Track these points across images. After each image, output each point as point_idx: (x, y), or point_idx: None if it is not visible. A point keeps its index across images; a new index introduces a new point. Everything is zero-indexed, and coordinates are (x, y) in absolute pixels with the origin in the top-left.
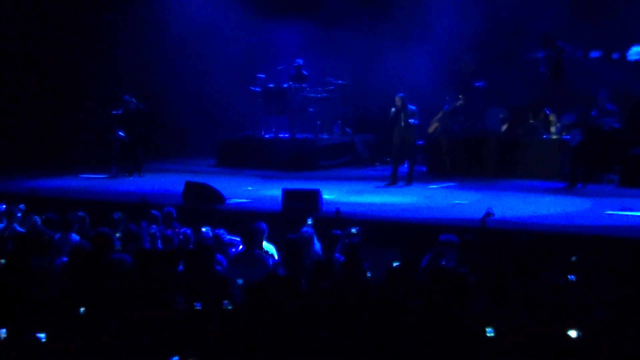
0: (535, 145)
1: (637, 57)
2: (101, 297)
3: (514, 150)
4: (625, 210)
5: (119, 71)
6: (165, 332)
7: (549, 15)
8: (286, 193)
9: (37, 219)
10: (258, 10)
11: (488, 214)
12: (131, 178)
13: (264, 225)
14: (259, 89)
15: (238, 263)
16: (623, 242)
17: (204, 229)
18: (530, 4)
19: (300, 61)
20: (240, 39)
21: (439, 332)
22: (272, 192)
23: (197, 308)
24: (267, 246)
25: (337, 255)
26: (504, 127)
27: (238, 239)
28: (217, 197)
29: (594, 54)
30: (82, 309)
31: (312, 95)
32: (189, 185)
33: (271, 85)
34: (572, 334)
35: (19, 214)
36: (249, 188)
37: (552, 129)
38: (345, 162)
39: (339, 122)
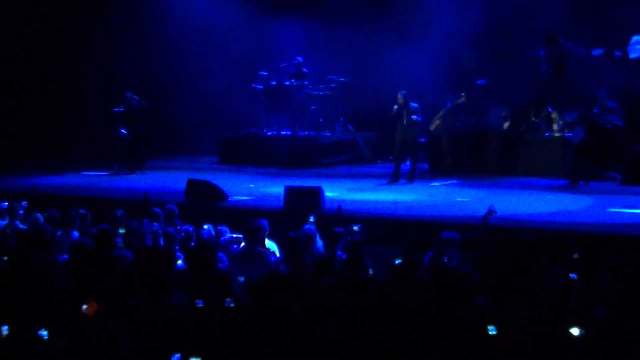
0: (537, 143)
1: (637, 54)
2: (103, 295)
3: (516, 148)
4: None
5: (121, 68)
6: (167, 330)
7: (551, 13)
8: (288, 190)
9: (40, 216)
10: (260, 7)
11: (490, 211)
12: (133, 175)
13: (265, 222)
14: (261, 87)
15: (240, 260)
16: (625, 240)
17: (205, 227)
18: (532, 1)
19: (300, 59)
20: (242, 37)
21: (441, 330)
22: (274, 189)
23: (199, 305)
24: (269, 244)
25: (339, 252)
26: (506, 125)
27: (241, 235)
28: (219, 194)
29: (596, 52)
30: (84, 307)
31: (314, 92)
32: (191, 183)
33: (273, 83)
34: (574, 332)
35: (21, 211)
36: (251, 185)
37: (554, 127)
38: (347, 159)
39: (341, 119)
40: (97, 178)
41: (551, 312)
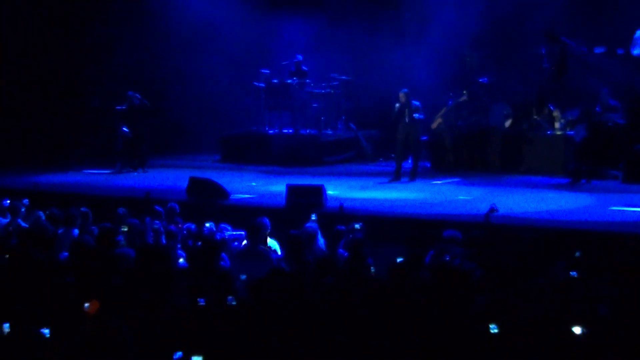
0: (539, 141)
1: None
2: (105, 293)
3: (518, 146)
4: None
5: (123, 67)
6: (169, 328)
7: (553, 11)
8: (290, 189)
9: (41, 214)
10: (261, 5)
11: (492, 209)
12: (135, 173)
13: (267, 220)
14: (262, 85)
15: (242, 258)
16: (626, 238)
17: (207, 224)
18: (534, 0)
19: (300, 57)
20: (244, 35)
21: (443, 329)
22: (276, 187)
23: (201, 304)
24: (271, 242)
25: (340, 250)
26: (508, 123)
27: (243, 233)
28: (221, 192)
29: (598, 50)
30: (86, 305)
31: (316, 90)
32: (193, 181)
33: (275, 81)
34: (577, 330)
35: (23, 209)
36: (253, 184)
37: (556, 125)
38: (349, 157)
39: (343, 117)
40: (99, 176)
41: (553, 310)
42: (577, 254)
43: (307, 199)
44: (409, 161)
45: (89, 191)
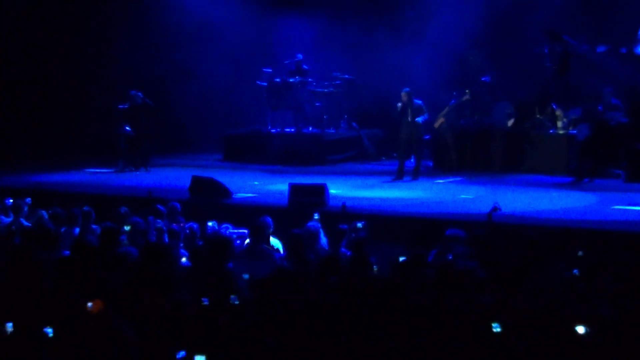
0: (542, 140)
1: None
2: (108, 292)
3: (521, 145)
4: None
5: (125, 66)
6: (172, 327)
7: (556, 10)
8: (293, 187)
9: (44, 213)
10: (264, 4)
11: (495, 208)
12: (137, 172)
13: (269, 219)
14: (265, 84)
15: (245, 257)
16: (629, 237)
17: (210, 224)
18: None
19: (300, 56)
20: (247, 34)
21: (446, 327)
22: (279, 186)
23: (204, 303)
24: (274, 241)
25: (343, 249)
26: (511, 122)
27: (245, 231)
28: (223, 191)
29: (601, 49)
30: (89, 304)
31: (319, 89)
32: (195, 180)
33: (278, 80)
34: (580, 330)
35: (26, 208)
36: (256, 183)
37: (559, 124)
38: (351, 156)
39: (346, 116)
40: (101, 175)
41: (555, 309)
42: (580, 253)
43: (309, 198)
44: (412, 160)
45: (91, 190)
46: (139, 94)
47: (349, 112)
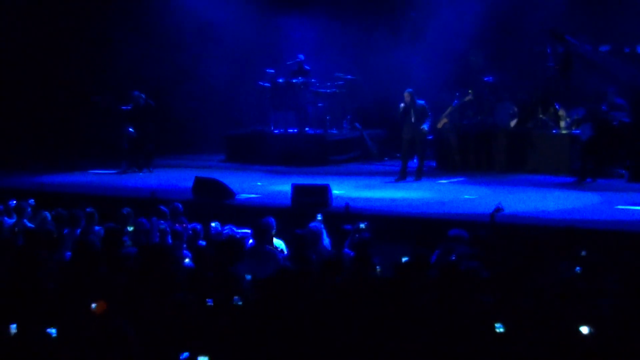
0: (545, 140)
1: None
2: (111, 292)
3: (524, 145)
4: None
5: (129, 67)
6: (175, 328)
7: (558, 10)
8: (296, 188)
9: (47, 214)
10: (267, 5)
11: (498, 209)
12: (141, 173)
13: (272, 220)
14: (268, 84)
15: (248, 258)
16: (632, 237)
17: (213, 224)
18: None
19: (301, 57)
20: (250, 34)
21: (449, 328)
22: (282, 187)
23: (208, 304)
24: (277, 242)
25: (346, 250)
26: (514, 122)
27: (248, 231)
28: (226, 192)
29: (603, 48)
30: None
31: (322, 90)
32: (198, 181)
33: (280, 80)
34: (584, 330)
35: (29, 210)
36: (259, 183)
37: (562, 124)
38: (354, 157)
39: (348, 117)
40: (104, 176)
41: (559, 309)
42: (583, 253)
43: (312, 198)
44: (415, 160)
45: (94, 191)
46: (142, 95)
47: (351, 113)
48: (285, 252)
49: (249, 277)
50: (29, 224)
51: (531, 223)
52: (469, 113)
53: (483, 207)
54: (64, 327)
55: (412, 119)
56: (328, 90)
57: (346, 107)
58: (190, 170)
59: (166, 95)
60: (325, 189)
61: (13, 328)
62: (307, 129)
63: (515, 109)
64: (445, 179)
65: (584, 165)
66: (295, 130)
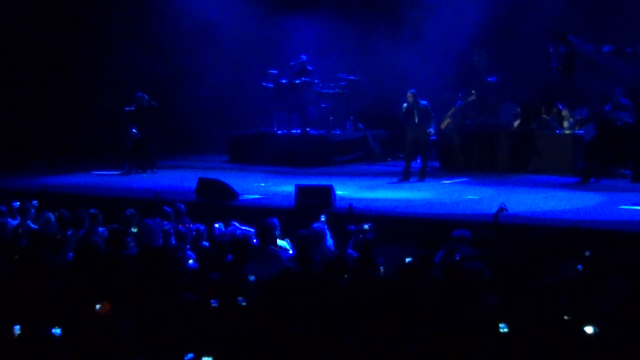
0: (548, 140)
1: None
2: (115, 293)
3: (527, 146)
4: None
5: (132, 68)
6: (180, 329)
7: (561, 10)
8: (299, 189)
9: (51, 215)
10: (270, 5)
11: (501, 209)
12: (144, 174)
13: (276, 220)
14: (271, 85)
15: (252, 259)
16: (636, 237)
17: (217, 225)
18: None
19: (304, 57)
20: (253, 35)
21: (452, 328)
22: (285, 188)
23: (212, 305)
24: (282, 243)
25: (349, 250)
26: (517, 123)
27: (252, 230)
28: (230, 193)
29: (606, 48)
30: (97, 306)
31: (325, 91)
32: (202, 182)
33: (283, 81)
34: (588, 330)
35: (33, 211)
36: (262, 184)
37: (565, 124)
38: (357, 157)
39: (351, 117)
40: (108, 177)
41: (563, 309)
42: (587, 253)
43: (316, 199)
44: (418, 161)
45: (98, 192)
46: (145, 96)
47: (354, 113)
48: (291, 251)
49: (252, 278)
50: (33, 225)
51: (534, 223)
52: (472, 113)
53: (486, 207)
54: (68, 329)
55: (416, 120)
56: (331, 91)
57: (349, 108)
58: (194, 171)
59: (169, 96)
60: (329, 190)
61: (17, 329)
62: (309, 129)
63: (518, 110)
64: (448, 180)
65: (587, 166)
66: (299, 131)
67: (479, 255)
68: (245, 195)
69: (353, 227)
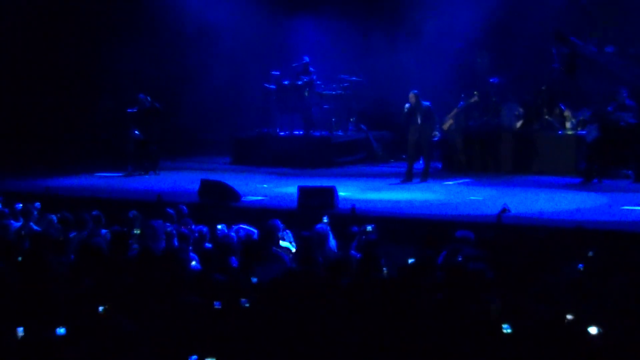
0: (551, 141)
1: None
2: (118, 295)
3: (530, 146)
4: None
5: (134, 69)
6: (183, 331)
7: (564, 11)
8: (302, 190)
9: (53, 217)
10: (273, 7)
11: (504, 210)
12: (147, 176)
13: (278, 221)
14: (273, 86)
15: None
16: (639, 237)
17: (219, 227)
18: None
19: (306, 58)
20: (255, 36)
21: (455, 329)
22: (288, 189)
23: (215, 306)
24: (285, 244)
25: (352, 252)
26: (519, 123)
27: (255, 230)
28: (232, 194)
29: (608, 49)
30: (100, 308)
31: (327, 92)
32: (204, 183)
33: (286, 83)
34: (592, 330)
35: (35, 213)
36: (265, 185)
37: (568, 125)
38: (360, 159)
39: (354, 119)
40: (110, 179)
41: (566, 310)
42: (590, 253)
43: (318, 200)
44: (421, 162)
45: (100, 194)
46: (148, 97)
47: (356, 115)
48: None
49: (254, 279)
50: (35, 227)
51: (537, 224)
52: (475, 114)
53: (489, 208)
54: (71, 330)
55: (418, 121)
56: (333, 92)
57: (351, 109)
58: (196, 173)
59: (172, 98)
60: (331, 191)
61: (20, 331)
62: (312, 131)
63: (521, 110)
64: (451, 181)
65: (589, 166)
66: (301, 132)
67: (482, 256)
68: (247, 197)
69: (356, 228)
